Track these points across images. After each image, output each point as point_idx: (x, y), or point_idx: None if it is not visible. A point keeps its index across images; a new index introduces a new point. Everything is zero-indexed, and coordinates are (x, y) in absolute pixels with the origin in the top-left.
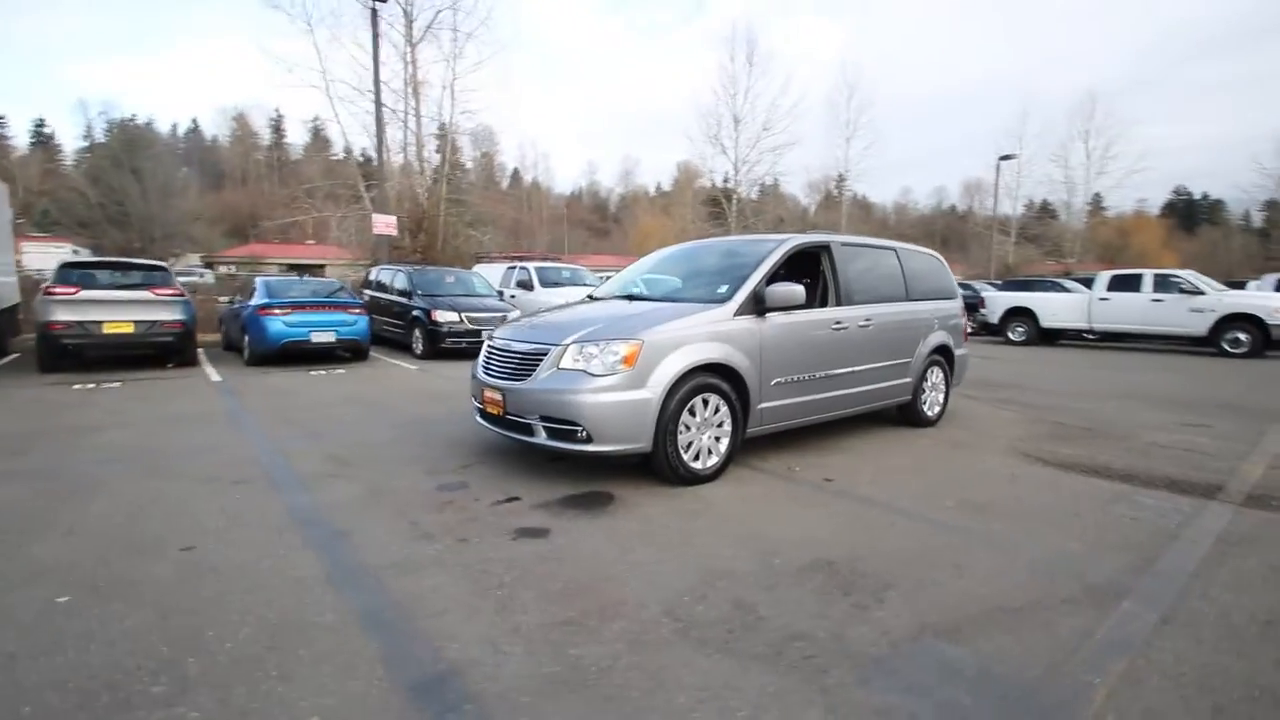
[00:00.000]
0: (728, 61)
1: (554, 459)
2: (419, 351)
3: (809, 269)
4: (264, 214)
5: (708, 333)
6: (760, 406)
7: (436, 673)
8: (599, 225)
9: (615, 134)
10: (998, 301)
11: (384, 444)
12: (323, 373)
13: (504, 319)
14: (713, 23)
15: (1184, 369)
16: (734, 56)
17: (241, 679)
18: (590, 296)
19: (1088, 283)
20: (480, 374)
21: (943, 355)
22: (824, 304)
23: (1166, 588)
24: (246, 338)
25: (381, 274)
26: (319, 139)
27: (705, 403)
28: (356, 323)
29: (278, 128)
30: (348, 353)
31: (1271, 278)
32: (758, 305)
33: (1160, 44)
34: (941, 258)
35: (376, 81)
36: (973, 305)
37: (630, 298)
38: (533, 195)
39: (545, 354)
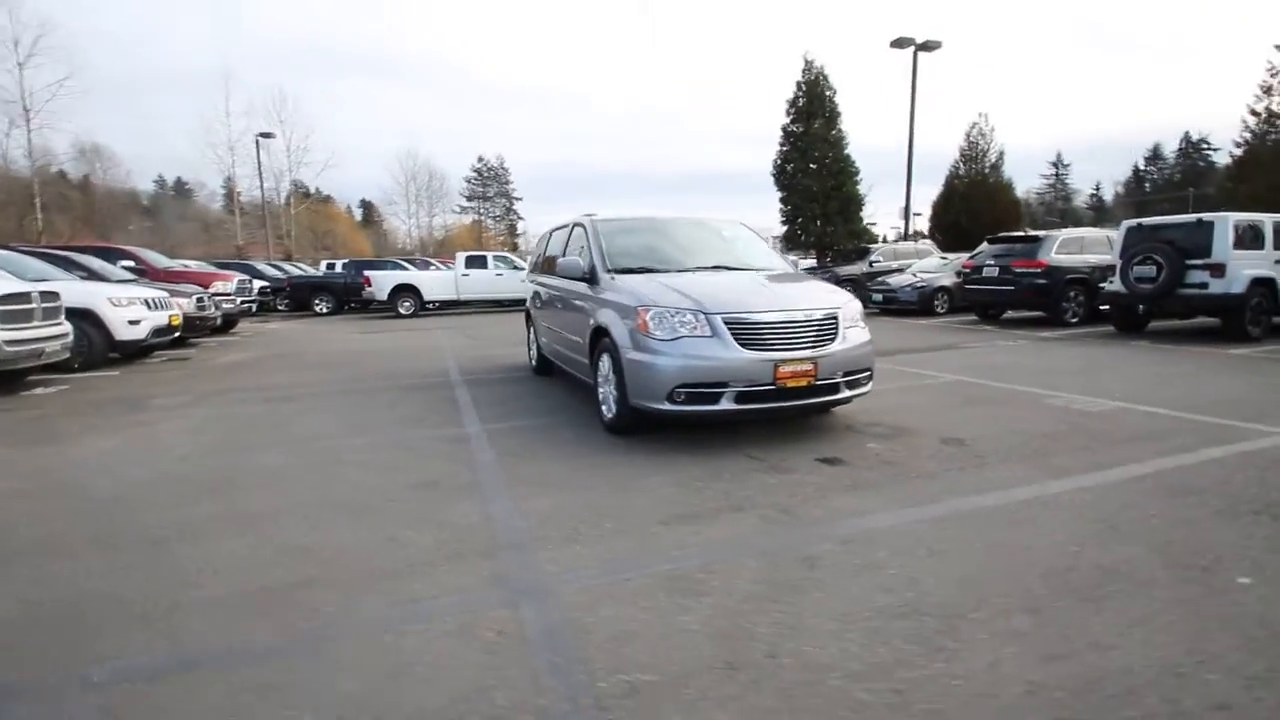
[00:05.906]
0: None
1: (740, 426)
2: None
3: None
4: None
5: None
6: None
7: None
8: None
9: None
10: (384, 281)
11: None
12: None
13: None
14: None
15: None
16: None
17: None
18: (617, 269)
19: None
20: (767, 352)
21: None
22: None
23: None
24: None
25: None
26: None
27: None
28: None
29: None
30: None
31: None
32: None
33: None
34: None
35: None
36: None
37: (715, 268)
38: None
39: (836, 317)
